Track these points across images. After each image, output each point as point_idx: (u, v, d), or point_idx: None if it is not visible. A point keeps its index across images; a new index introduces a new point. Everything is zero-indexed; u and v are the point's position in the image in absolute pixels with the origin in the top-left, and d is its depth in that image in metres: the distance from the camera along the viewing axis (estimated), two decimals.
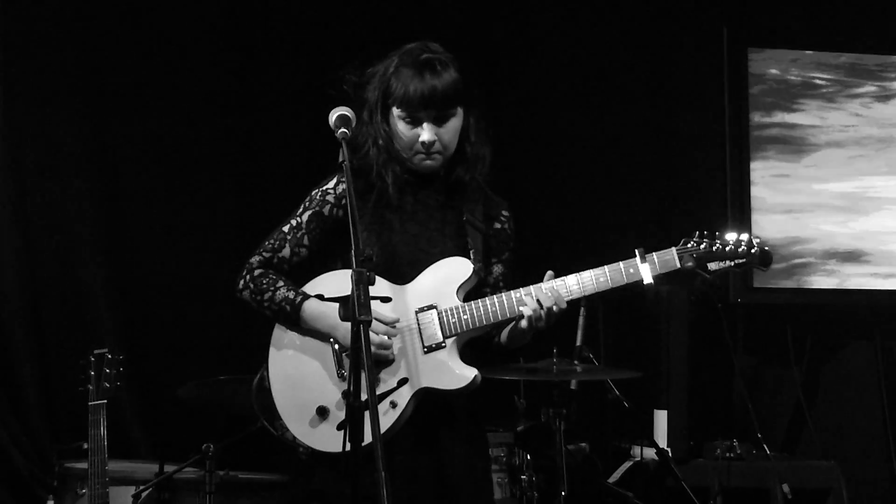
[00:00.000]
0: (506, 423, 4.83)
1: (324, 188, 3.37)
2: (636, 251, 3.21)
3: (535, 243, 5.89)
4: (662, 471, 5.15)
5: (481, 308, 3.23)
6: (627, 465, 5.38)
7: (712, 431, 5.65)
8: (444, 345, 3.22)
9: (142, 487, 4.35)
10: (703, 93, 6.16)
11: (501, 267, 3.44)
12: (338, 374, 3.24)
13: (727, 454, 5.44)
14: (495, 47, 5.99)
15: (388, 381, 3.21)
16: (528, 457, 4.59)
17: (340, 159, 3.08)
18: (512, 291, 3.24)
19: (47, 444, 5.21)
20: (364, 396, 2.82)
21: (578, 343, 5.08)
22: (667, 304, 5.64)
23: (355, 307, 2.81)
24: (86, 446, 4.23)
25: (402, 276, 3.28)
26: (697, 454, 5.51)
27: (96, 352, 4.23)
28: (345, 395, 3.17)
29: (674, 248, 3.27)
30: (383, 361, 3.21)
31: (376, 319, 3.16)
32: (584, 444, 5.05)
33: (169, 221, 5.46)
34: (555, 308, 3.19)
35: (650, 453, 5.24)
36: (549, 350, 4.61)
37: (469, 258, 3.30)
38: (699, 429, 5.63)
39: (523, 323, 3.21)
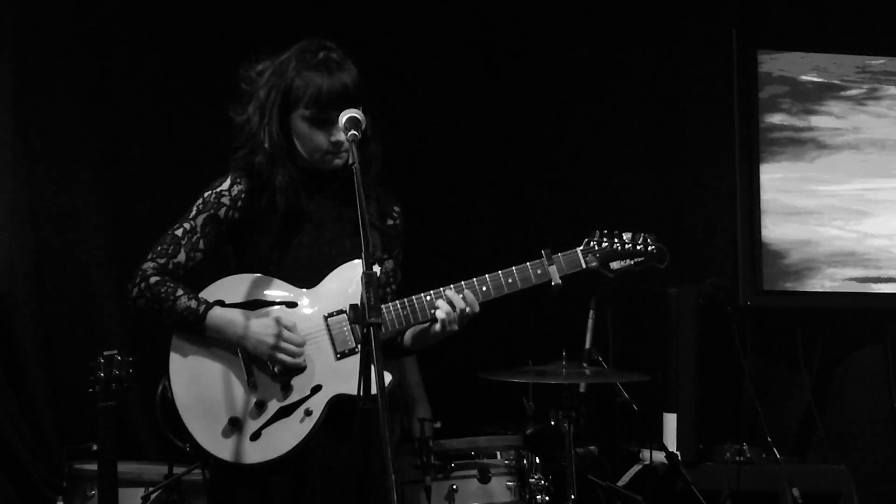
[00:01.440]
0: (515, 425, 4.82)
1: (217, 190, 3.28)
2: (542, 252, 3.27)
3: (535, 246, 5.91)
4: (672, 474, 5.14)
5: (392, 313, 3.19)
6: (637, 468, 5.37)
7: (722, 435, 5.63)
8: (356, 350, 3.16)
9: (151, 489, 4.34)
10: (713, 95, 6.15)
11: (392, 263, 3.40)
12: (248, 383, 3.17)
13: (737, 458, 5.42)
14: (498, 48, 5.99)
15: (300, 388, 3.16)
16: (537, 460, 4.59)
17: (350, 161, 3.05)
18: (423, 294, 3.22)
19: (56, 445, 5.21)
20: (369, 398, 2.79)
21: (587, 346, 5.08)
22: (676, 307, 5.63)
23: (365, 310, 2.79)
24: (95, 448, 4.22)
25: (306, 279, 3.22)
26: (707, 457, 5.50)
27: (105, 353, 4.22)
28: (258, 404, 3.14)
29: (578, 249, 3.33)
30: (294, 369, 3.16)
31: (282, 337, 3.12)
32: (593, 448, 5.05)
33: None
34: (468, 311, 3.19)
35: (659, 457, 5.23)
36: (559, 353, 4.61)
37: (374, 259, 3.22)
38: (708, 432, 5.61)
39: (436, 327, 3.19)
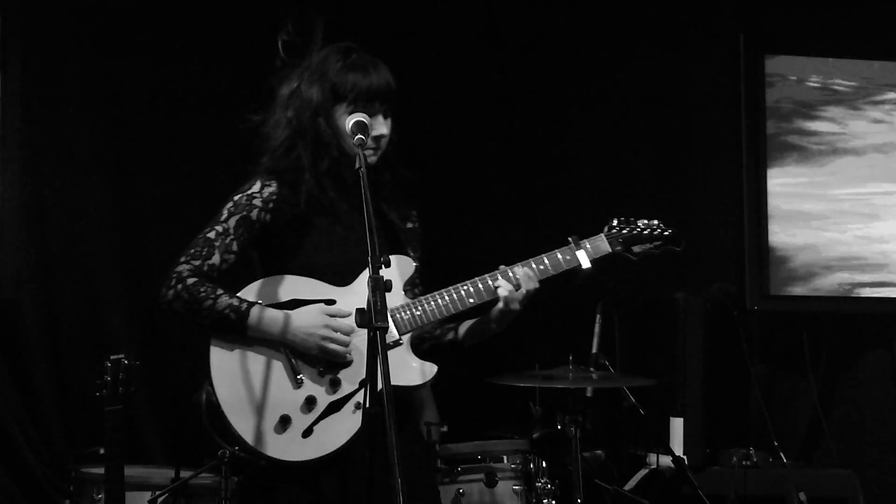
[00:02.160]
0: (521, 430, 4.82)
1: (248, 192, 3.30)
2: (569, 239, 3.35)
3: (547, 248, 5.91)
4: (678, 478, 5.14)
5: (433, 302, 3.25)
6: (643, 472, 5.36)
7: (728, 439, 5.63)
8: (401, 342, 3.24)
9: (158, 493, 4.34)
10: (720, 100, 6.15)
11: (417, 264, 3.45)
12: (295, 380, 3.19)
13: (743, 462, 5.42)
14: (505, 51, 5.99)
15: (349, 382, 3.20)
16: (544, 464, 4.58)
17: (357, 165, 3.07)
18: (459, 285, 3.28)
19: (63, 449, 5.22)
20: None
21: (594, 350, 5.08)
22: (683, 311, 5.62)
23: (372, 313, 2.80)
24: (102, 451, 4.22)
25: (340, 277, 3.26)
26: (713, 462, 5.49)
27: (112, 357, 4.22)
28: (308, 400, 3.17)
29: (603, 234, 3.41)
30: (340, 364, 3.20)
31: (331, 328, 3.17)
32: (599, 452, 5.04)
33: (187, 225, 5.44)
34: (530, 286, 3.26)
35: (666, 461, 5.22)
36: (565, 357, 4.61)
37: (408, 255, 3.34)
38: (715, 436, 5.61)
39: (499, 306, 3.26)
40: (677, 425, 5.50)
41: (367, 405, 2.83)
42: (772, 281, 6.02)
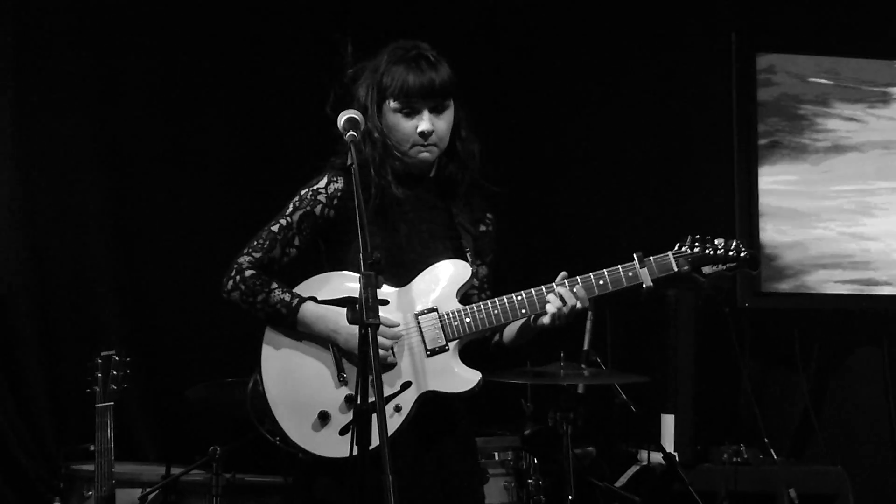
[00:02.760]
0: (513, 426, 4.82)
1: (314, 187, 3.32)
2: (634, 255, 3.28)
3: (541, 248, 5.93)
4: (669, 475, 5.15)
5: (483, 311, 3.23)
6: (634, 469, 5.37)
7: (719, 436, 5.64)
8: (447, 348, 3.22)
9: (148, 490, 4.35)
10: (712, 98, 6.15)
11: (486, 269, 3.45)
12: (339, 377, 3.21)
13: (734, 459, 5.43)
14: (500, 52, 5.99)
15: (391, 384, 3.19)
16: (535, 460, 4.59)
17: (349, 162, 3.07)
18: (514, 294, 3.25)
19: (54, 445, 5.21)
20: (371, 399, 2.81)
21: (586, 347, 5.07)
22: (674, 308, 5.63)
23: (363, 310, 2.80)
24: (92, 448, 4.22)
25: (398, 278, 3.26)
26: (704, 459, 5.51)
27: (103, 353, 4.23)
28: (348, 399, 3.18)
29: (670, 252, 3.34)
30: (385, 365, 3.18)
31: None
32: (591, 448, 5.04)
33: (178, 223, 5.46)
34: (578, 306, 3.23)
35: (657, 458, 5.23)
36: (557, 354, 4.61)
37: (466, 260, 3.31)
38: (706, 433, 5.62)
39: (545, 319, 3.22)
40: (668, 422, 5.51)
41: (359, 402, 2.82)
42: (763, 278, 6.02)
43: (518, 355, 3.49)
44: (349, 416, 3.15)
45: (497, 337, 3.43)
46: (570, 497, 4.42)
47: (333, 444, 3.16)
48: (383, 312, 3.17)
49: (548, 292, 3.23)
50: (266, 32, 5.65)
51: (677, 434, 5.48)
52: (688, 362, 5.60)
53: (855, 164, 6.16)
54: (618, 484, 5.22)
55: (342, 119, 3.15)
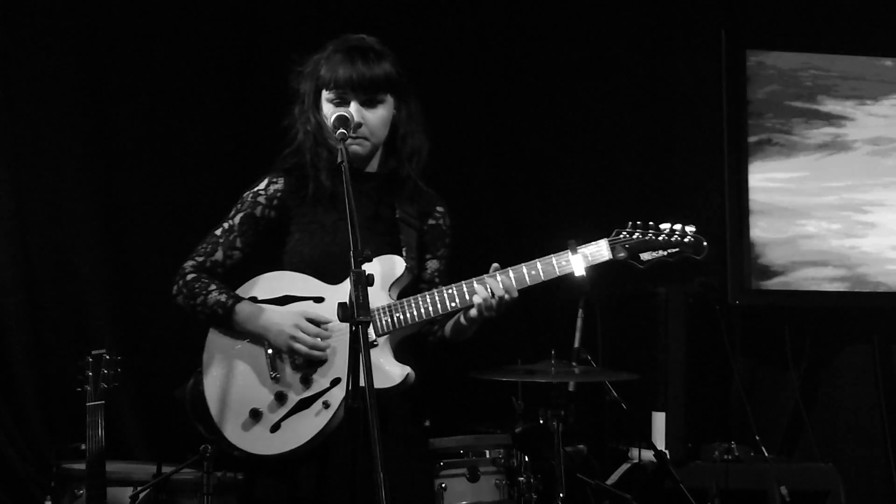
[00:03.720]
0: (503, 424, 4.82)
1: (254, 190, 3.39)
2: (568, 243, 3.22)
3: (530, 244, 5.91)
4: (660, 473, 5.14)
5: (413, 306, 3.23)
6: (625, 466, 5.37)
7: (710, 433, 5.64)
8: (376, 343, 3.22)
9: (139, 488, 4.34)
10: (702, 95, 6.16)
11: (437, 263, 3.46)
12: (271, 375, 3.23)
13: (725, 456, 5.43)
14: (490, 47, 5.99)
15: (321, 381, 3.22)
16: (526, 458, 4.58)
17: (339, 160, 3.08)
18: (444, 287, 3.26)
19: (45, 445, 5.20)
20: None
21: (576, 345, 5.08)
22: (665, 306, 5.63)
23: (354, 308, 2.81)
24: (83, 447, 4.22)
25: (335, 275, 3.28)
26: (695, 456, 5.51)
27: (94, 352, 4.22)
28: (278, 396, 3.20)
29: (605, 240, 3.26)
30: (317, 362, 3.22)
31: (308, 320, 3.20)
32: (582, 446, 5.05)
33: (167, 222, 5.45)
34: (506, 297, 3.21)
35: (648, 455, 5.23)
36: (548, 352, 4.61)
37: (402, 256, 3.32)
38: (697, 431, 5.63)
39: (473, 312, 3.22)
40: (659, 420, 5.52)
41: (351, 400, 2.83)
42: (753, 276, 6.03)
43: (458, 349, 3.47)
44: (280, 414, 3.20)
45: (439, 331, 3.42)
46: (561, 495, 4.43)
47: (265, 442, 3.20)
48: (318, 310, 3.24)
49: (477, 284, 3.23)
50: (258, 29, 5.64)
51: (668, 431, 5.48)
52: (679, 360, 5.61)
53: (845, 161, 6.17)
54: (609, 481, 5.22)
55: (332, 117, 3.17)
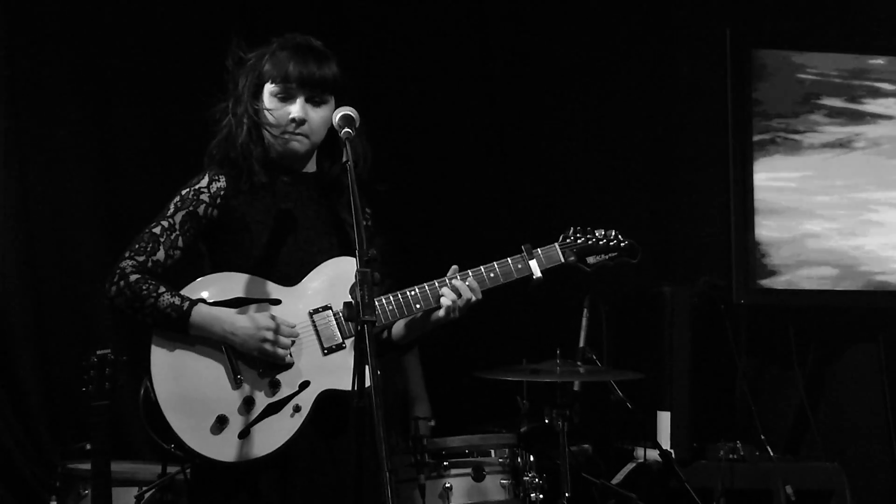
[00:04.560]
0: (509, 424, 4.82)
1: (196, 187, 3.27)
2: (522, 247, 3.33)
3: (533, 243, 5.91)
4: (665, 472, 5.14)
5: (378, 308, 3.16)
6: (630, 466, 5.37)
7: (715, 433, 5.64)
8: (343, 345, 3.19)
9: (144, 488, 4.34)
10: (707, 94, 6.15)
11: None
12: (234, 379, 3.15)
13: (730, 455, 5.43)
14: (493, 46, 5.99)
15: (289, 384, 3.16)
16: (532, 458, 4.59)
17: (344, 159, 3.06)
18: (407, 290, 3.24)
19: (50, 445, 5.20)
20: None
21: (581, 344, 5.08)
22: (670, 305, 5.63)
23: (360, 308, 2.79)
24: (88, 447, 4.21)
25: (286, 277, 3.22)
26: (700, 455, 5.50)
27: (98, 352, 4.21)
28: (247, 401, 3.13)
29: (556, 244, 3.39)
30: (281, 366, 3.16)
31: (274, 331, 3.13)
32: (587, 446, 5.05)
33: None
34: (473, 298, 3.25)
35: (653, 455, 5.23)
36: (553, 351, 4.61)
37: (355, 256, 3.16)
38: (702, 430, 5.62)
39: (441, 313, 3.23)
40: (664, 419, 5.51)
41: (357, 400, 2.80)
42: (758, 275, 6.02)
43: (403, 352, 3.50)
44: (248, 419, 3.13)
45: (385, 334, 3.38)
46: (566, 494, 4.43)
47: (232, 449, 3.12)
48: (276, 312, 3.16)
49: (441, 286, 3.24)
50: (267, 31, 5.63)
51: (673, 431, 5.48)
52: (684, 359, 5.60)
53: (850, 159, 6.16)
54: (614, 481, 5.22)
55: (336, 116, 3.14)
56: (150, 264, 3.21)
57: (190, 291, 3.20)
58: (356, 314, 2.81)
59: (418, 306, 3.23)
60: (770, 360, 6.21)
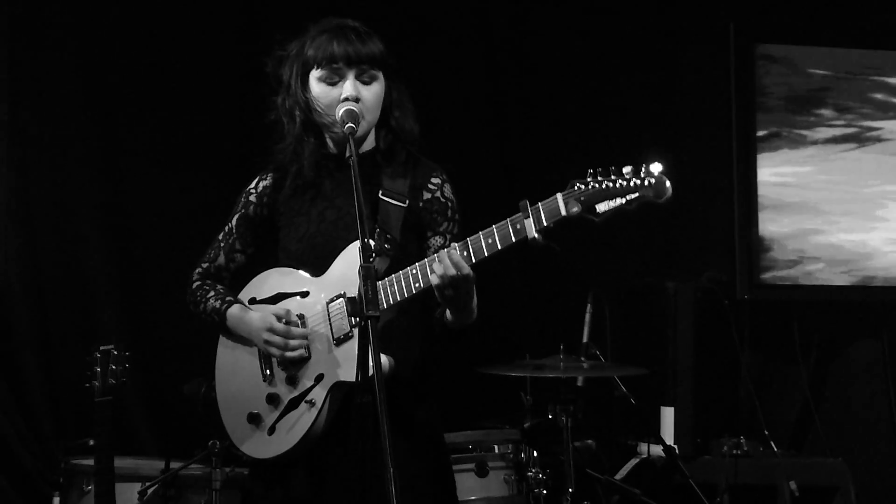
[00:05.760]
0: (512, 419, 4.82)
1: (248, 188, 3.35)
2: (520, 205, 2.88)
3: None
4: (669, 468, 5.14)
5: (382, 291, 3.00)
6: (634, 461, 5.37)
7: (719, 428, 5.64)
8: (351, 335, 3.06)
9: (147, 484, 4.34)
10: (711, 89, 6.14)
11: (440, 239, 3.20)
12: (265, 378, 3.18)
13: (734, 451, 5.42)
14: (497, 44, 5.98)
15: (305, 379, 3.13)
16: (535, 453, 4.58)
17: (347, 154, 3.05)
18: (408, 268, 3.01)
19: (53, 440, 5.20)
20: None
21: (585, 340, 5.09)
22: (673, 300, 5.62)
23: (363, 303, 2.77)
24: (91, 443, 4.22)
25: (318, 266, 3.17)
26: (704, 451, 5.50)
27: (102, 348, 4.21)
28: (269, 398, 3.15)
29: (559, 194, 2.87)
30: (299, 360, 3.13)
31: (270, 329, 3.13)
32: (590, 441, 5.04)
33: (175, 217, 5.44)
34: (456, 273, 2.89)
35: (657, 450, 5.23)
36: (556, 347, 4.60)
37: (374, 239, 3.07)
38: (706, 426, 5.62)
39: (436, 291, 2.95)
40: (668, 414, 5.51)
41: (359, 395, 2.79)
42: (762, 270, 6.02)
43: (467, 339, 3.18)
44: (274, 416, 3.15)
45: (438, 314, 3.14)
46: (570, 490, 4.43)
47: (263, 446, 3.15)
48: (300, 304, 3.14)
49: (430, 263, 2.97)
50: (269, 28, 5.62)
51: (677, 426, 5.47)
52: (687, 354, 5.60)
53: (855, 155, 6.15)
54: (618, 476, 5.21)
55: (340, 111, 3.11)
56: (213, 270, 3.34)
57: (246, 292, 3.29)
58: (360, 310, 2.78)
59: (418, 285, 2.99)
60: (774, 355, 6.20)
